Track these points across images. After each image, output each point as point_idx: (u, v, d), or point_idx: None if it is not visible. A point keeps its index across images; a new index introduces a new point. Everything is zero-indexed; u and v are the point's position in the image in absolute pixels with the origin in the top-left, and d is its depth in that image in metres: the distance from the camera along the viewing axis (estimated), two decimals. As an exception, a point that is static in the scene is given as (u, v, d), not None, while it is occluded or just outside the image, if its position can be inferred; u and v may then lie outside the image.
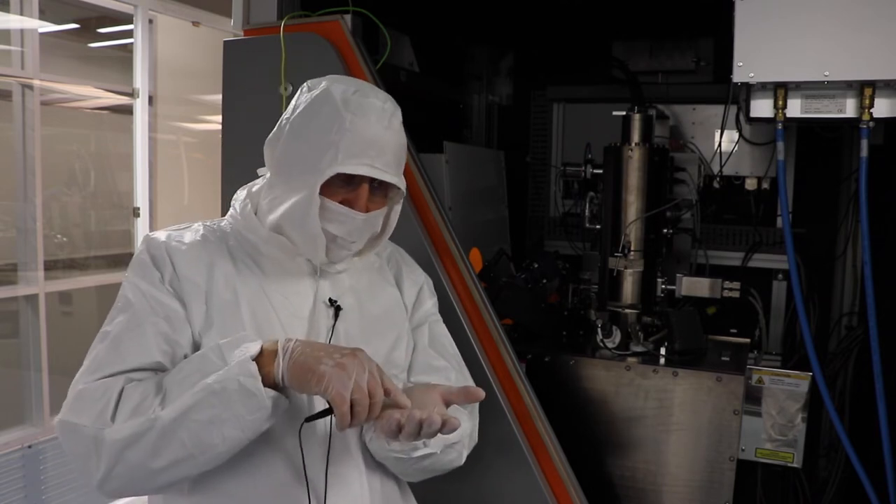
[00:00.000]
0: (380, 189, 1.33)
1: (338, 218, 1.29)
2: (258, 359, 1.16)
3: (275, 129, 1.34)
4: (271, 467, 1.27)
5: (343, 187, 1.29)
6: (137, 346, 1.23)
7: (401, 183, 1.33)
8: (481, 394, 1.28)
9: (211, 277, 1.30)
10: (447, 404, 1.27)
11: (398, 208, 1.40)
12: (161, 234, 1.34)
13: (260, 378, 1.14)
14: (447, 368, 1.48)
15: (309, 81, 1.36)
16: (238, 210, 1.39)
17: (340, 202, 1.29)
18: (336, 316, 1.36)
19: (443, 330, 1.55)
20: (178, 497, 1.28)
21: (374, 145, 1.26)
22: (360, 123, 1.26)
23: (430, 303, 1.55)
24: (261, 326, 1.29)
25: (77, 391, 1.21)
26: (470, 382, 1.51)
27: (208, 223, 1.41)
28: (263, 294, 1.32)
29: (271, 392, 1.16)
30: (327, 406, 1.16)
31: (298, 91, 1.36)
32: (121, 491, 1.21)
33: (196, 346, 1.27)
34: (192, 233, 1.36)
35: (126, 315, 1.26)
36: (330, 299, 1.37)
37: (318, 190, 1.26)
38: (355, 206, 1.29)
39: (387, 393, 1.19)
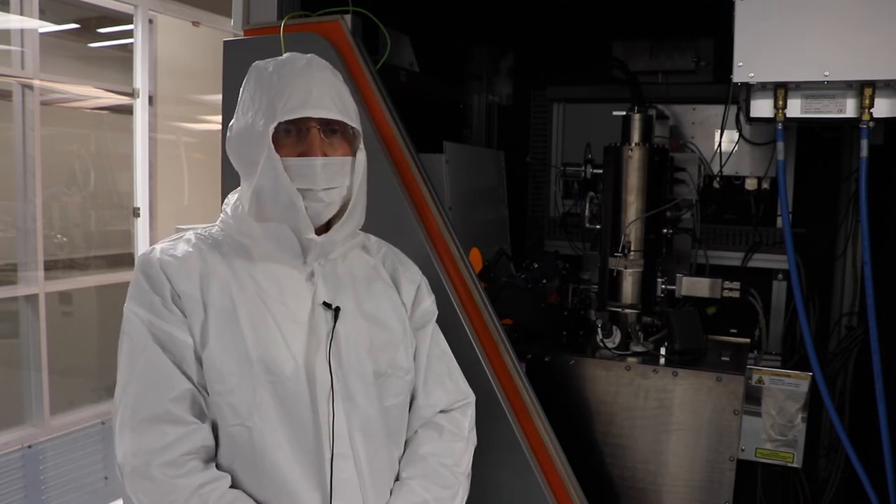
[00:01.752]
0: (339, 137, 1.35)
1: (299, 171, 1.30)
2: None
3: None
4: None
5: (296, 143, 1.31)
6: (165, 381, 1.25)
7: (348, 119, 1.34)
8: None
9: (207, 288, 1.30)
10: None
11: (362, 157, 1.39)
12: (154, 252, 1.34)
13: None
14: (450, 374, 1.53)
15: None
16: (230, 213, 1.40)
17: (298, 157, 1.31)
18: (335, 318, 1.35)
19: (441, 336, 1.57)
20: None
21: (306, 91, 1.30)
22: (287, 77, 1.31)
23: (429, 301, 1.55)
24: (260, 334, 1.29)
25: (145, 470, 1.22)
26: (462, 382, 1.55)
27: (200, 231, 1.41)
28: (261, 301, 1.32)
29: None
30: None
31: None
32: None
33: (198, 360, 1.28)
34: (184, 243, 1.36)
35: (138, 350, 1.27)
36: (326, 302, 1.35)
37: (272, 148, 1.28)
38: (310, 154, 1.31)
39: None
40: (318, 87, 1.31)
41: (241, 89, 1.37)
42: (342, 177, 1.35)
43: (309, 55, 1.38)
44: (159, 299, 1.28)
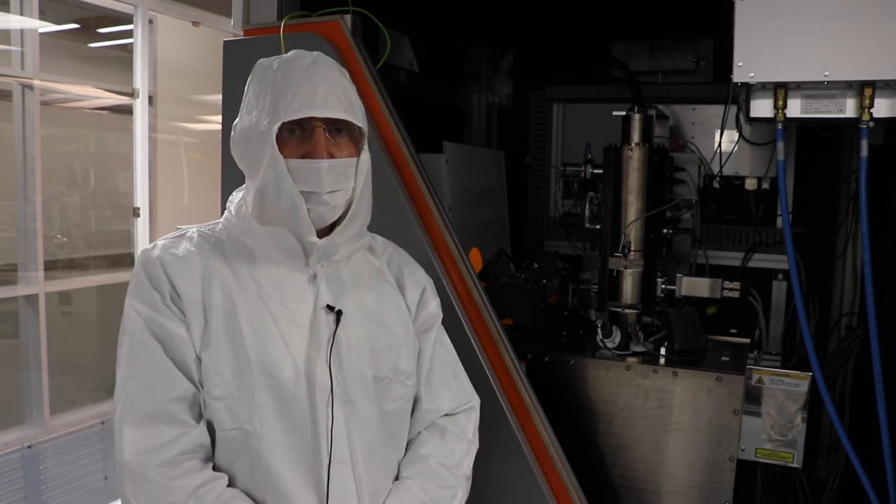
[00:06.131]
0: (345, 136, 1.32)
1: (303, 174, 1.27)
2: None
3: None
4: None
5: (300, 143, 1.29)
6: (164, 379, 1.24)
7: (355, 119, 1.31)
8: None
9: (209, 290, 1.29)
10: None
11: (366, 157, 1.37)
12: (156, 249, 1.33)
13: None
14: (455, 377, 1.52)
15: None
16: (233, 212, 1.38)
17: (302, 159, 1.28)
18: (337, 322, 1.33)
19: (447, 339, 1.55)
20: None
21: (311, 89, 1.27)
22: (291, 76, 1.28)
23: (434, 304, 1.53)
24: (260, 336, 1.28)
25: (143, 472, 1.21)
26: (467, 385, 1.54)
27: (203, 228, 1.39)
28: (262, 303, 1.30)
29: None
30: None
31: None
32: None
33: (197, 361, 1.27)
34: (187, 241, 1.35)
35: (139, 347, 1.26)
36: (328, 305, 1.34)
37: (276, 149, 1.25)
38: (315, 156, 1.28)
39: None
40: (324, 86, 1.28)
41: (246, 87, 1.35)
42: (347, 179, 1.32)
43: (314, 53, 1.35)
44: (159, 296, 1.27)
